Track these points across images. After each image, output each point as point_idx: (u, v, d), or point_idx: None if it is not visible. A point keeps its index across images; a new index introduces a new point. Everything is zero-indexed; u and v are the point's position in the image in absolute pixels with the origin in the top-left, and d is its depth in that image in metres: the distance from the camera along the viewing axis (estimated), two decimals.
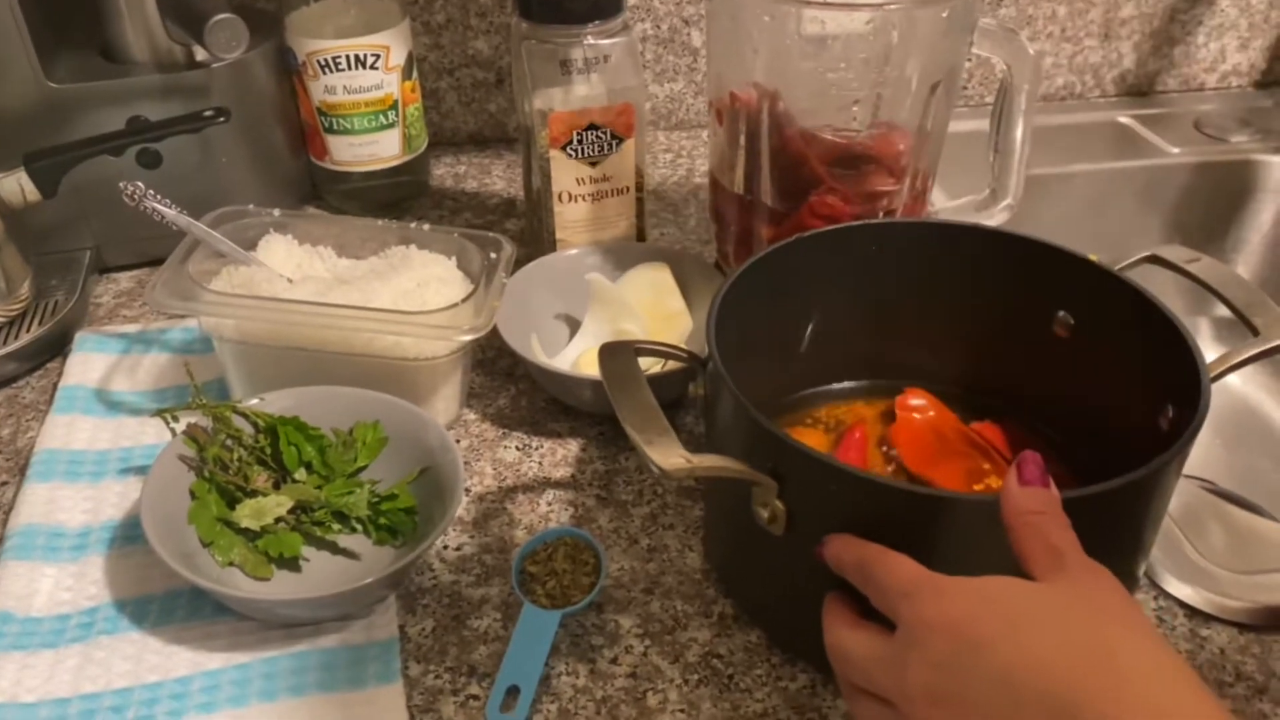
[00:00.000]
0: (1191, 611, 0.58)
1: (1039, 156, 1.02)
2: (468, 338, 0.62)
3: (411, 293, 0.65)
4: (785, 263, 0.62)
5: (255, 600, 0.56)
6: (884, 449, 0.64)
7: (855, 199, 0.68)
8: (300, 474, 0.61)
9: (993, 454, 0.64)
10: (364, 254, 0.71)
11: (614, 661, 0.55)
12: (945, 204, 0.74)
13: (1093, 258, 0.59)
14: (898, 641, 0.40)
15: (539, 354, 0.70)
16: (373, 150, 0.89)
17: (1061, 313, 0.61)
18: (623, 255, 0.77)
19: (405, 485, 0.61)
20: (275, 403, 0.62)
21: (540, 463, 0.68)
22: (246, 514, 0.58)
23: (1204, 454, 0.93)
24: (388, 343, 0.64)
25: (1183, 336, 0.53)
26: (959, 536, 0.46)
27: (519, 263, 0.76)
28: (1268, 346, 0.53)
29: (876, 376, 0.68)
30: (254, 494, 0.59)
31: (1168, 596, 0.59)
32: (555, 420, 0.71)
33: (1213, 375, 0.53)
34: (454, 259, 0.69)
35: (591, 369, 0.61)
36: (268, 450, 0.61)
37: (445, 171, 1.01)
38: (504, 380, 0.75)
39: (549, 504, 0.65)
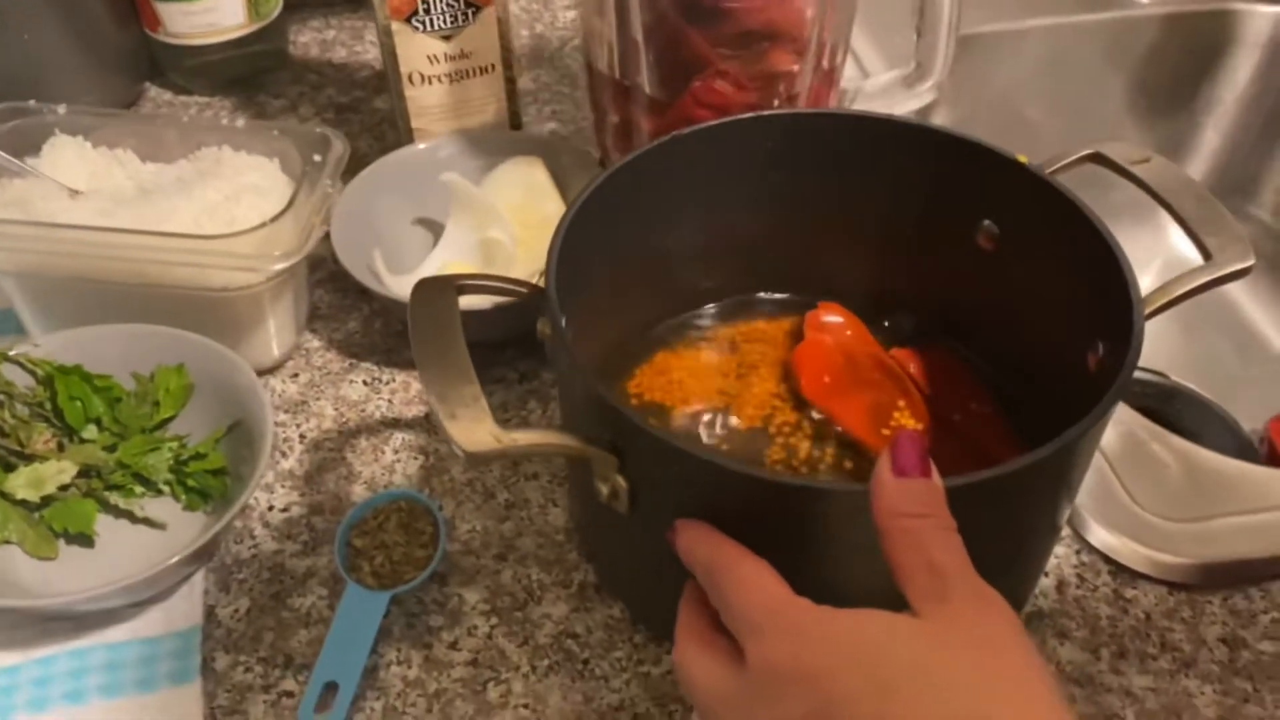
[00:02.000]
0: (1118, 568, 0.51)
1: (987, 12, 0.90)
2: (278, 266, 0.52)
3: (218, 207, 0.55)
4: (661, 166, 0.51)
5: (12, 609, 0.47)
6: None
7: (749, 83, 0.57)
8: (90, 432, 0.52)
9: (909, 386, 0.55)
10: (172, 158, 0.60)
11: (453, 646, 0.48)
12: (863, 84, 0.62)
13: (1021, 159, 0.49)
14: (746, 684, 0.33)
15: (383, 273, 0.60)
16: (211, 20, 0.76)
17: (986, 222, 0.52)
18: (489, 146, 0.66)
19: (213, 442, 0.52)
20: (51, 347, 0.52)
21: (390, 400, 0.59)
22: (21, 483, 0.50)
23: (1157, 341, 0.85)
24: (188, 272, 0.53)
25: (1117, 260, 0.44)
26: (823, 531, 0.38)
27: (386, 150, 0.65)
28: (1218, 274, 0.44)
29: (782, 291, 0.59)
30: (32, 459, 0.51)
31: (1092, 550, 0.52)
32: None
33: (1149, 310, 0.44)
34: (276, 161, 0.58)
35: None
36: (48, 405, 0.52)
37: (311, 38, 0.88)
38: (356, 299, 0.65)
39: (395, 452, 0.56)
